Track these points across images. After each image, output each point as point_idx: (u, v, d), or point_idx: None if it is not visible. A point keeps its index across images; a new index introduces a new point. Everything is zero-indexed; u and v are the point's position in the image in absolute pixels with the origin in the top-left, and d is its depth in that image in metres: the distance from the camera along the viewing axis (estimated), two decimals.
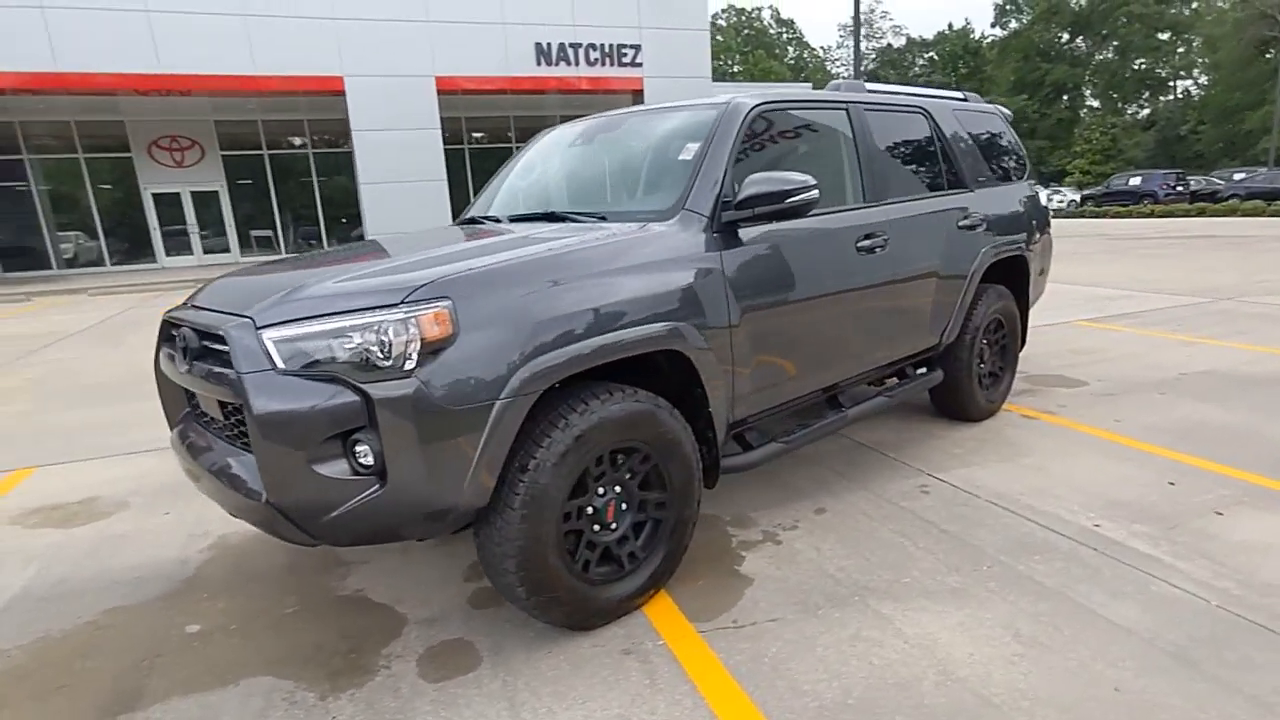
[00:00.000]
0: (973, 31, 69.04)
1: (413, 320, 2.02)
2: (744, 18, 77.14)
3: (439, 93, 19.69)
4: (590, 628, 2.46)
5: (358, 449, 2.05)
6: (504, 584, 2.28)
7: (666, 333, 2.44)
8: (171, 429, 2.78)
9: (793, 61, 75.47)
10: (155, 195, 22.81)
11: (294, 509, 2.07)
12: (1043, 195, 4.70)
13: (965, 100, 4.50)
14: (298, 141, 23.98)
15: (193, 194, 23.20)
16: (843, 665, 2.21)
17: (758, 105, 3.03)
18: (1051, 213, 5.11)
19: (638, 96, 21.00)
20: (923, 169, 3.86)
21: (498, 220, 3.45)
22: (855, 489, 3.48)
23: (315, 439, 2.02)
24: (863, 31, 74.68)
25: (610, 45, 20.46)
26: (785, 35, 79.02)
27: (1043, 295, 5.02)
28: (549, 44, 20.00)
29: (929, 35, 72.21)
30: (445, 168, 20.24)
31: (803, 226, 3.06)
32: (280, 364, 2.04)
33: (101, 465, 4.37)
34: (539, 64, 20.07)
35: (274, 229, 24.00)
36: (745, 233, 2.84)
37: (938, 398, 4.24)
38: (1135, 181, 29.46)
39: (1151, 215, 24.87)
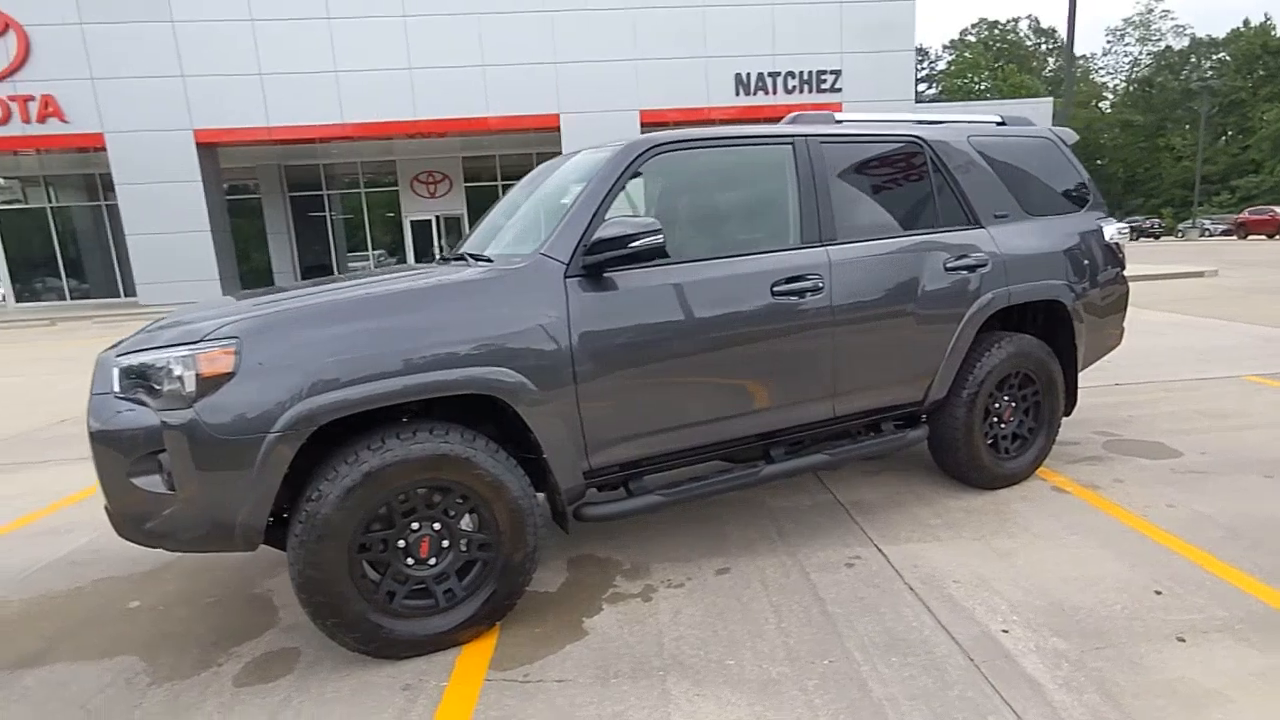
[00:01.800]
0: (1274, 28, 57.75)
1: (192, 359, 2.22)
2: (996, 30, 71.38)
3: (642, 125, 20.57)
4: (396, 657, 2.49)
5: (163, 468, 2.29)
6: (301, 604, 2.41)
7: (467, 378, 2.42)
8: None
9: (1051, 74, 68.29)
10: (413, 222, 26.27)
11: (122, 516, 2.36)
12: (1112, 229, 3.90)
13: (1002, 124, 3.89)
14: (524, 172, 26.27)
15: (442, 219, 26.36)
16: None
17: (652, 147, 2.90)
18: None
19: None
20: (903, 205, 3.41)
21: (460, 258, 3.59)
22: (780, 552, 3.15)
23: (131, 455, 2.29)
24: (1138, 34, 65.82)
25: (809, 72, 20.09)
26: (1045, 45, 71.86)
27: (1117, 348, 4.16)
28: (748, 74, 20.08)
29: (1219, 34, 61.63)
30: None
31: (693, 270, 2.87)
32: (116, 388, 2.35)
33: None
34: (738, 94, 20.22)
35: None
36: (622, 277, 2.73)
37: (939, 459, 3.69)
38: None
39: None
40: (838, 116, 3.43)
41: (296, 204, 26.16)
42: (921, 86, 73.14)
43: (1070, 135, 4.02)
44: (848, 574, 2.92)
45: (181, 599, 3.07)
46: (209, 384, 2.22)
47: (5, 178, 24.57)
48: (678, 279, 2.84)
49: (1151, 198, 56.14)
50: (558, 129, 20.76)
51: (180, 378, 2.22)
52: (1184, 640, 2.33)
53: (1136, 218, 44.31)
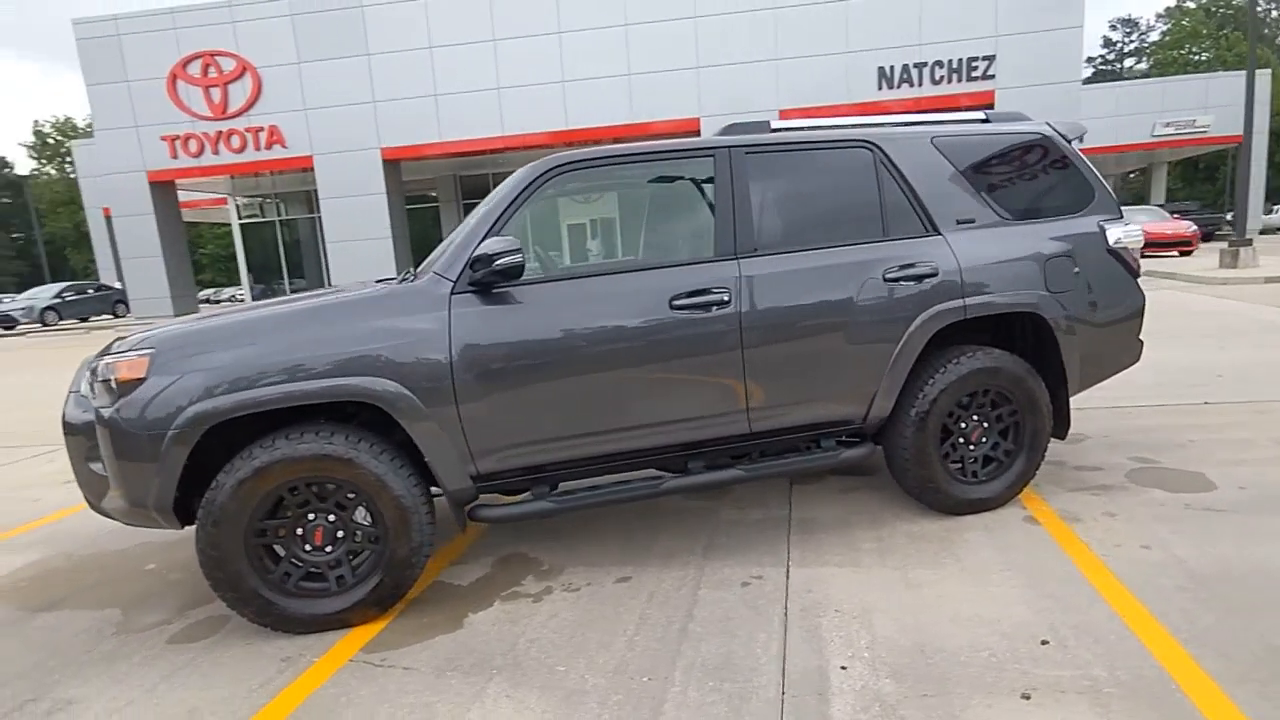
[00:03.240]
0: None
1: (114, 365, 2.61)
2: None
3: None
4: (292, 631, 2.77)
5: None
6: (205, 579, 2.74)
7: (340, 387, 2.63)
8: None
9: None
10: (568, 225, 27.51)
11: (86, 493, 2.83)
12: (1118, 233, 3.39)
13: (986, 121, 3.52)
14: None
15: (598, 222, 27.40)
16: None
17: (554, 168, 2.96)
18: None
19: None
20: (844, 213, 3.19)
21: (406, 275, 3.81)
22: (692, 565, 3.10)
23: (88, 443, 2.74)
24: None
25: (958, 60, 18.64)
26: (1277, 11, 61.26)
27: (1133, 364, 3.61)
28: (891, 67, 19.02)
29: None
30: None
31: (587, 285, 2.91)
32: (83, 388, 2.81)
33: None
34: (880, 88, 19.21)
35: None
36: (516, 293, 2.84)
37: (897, 480, 3.42)
38: None
39: None
40: (775, 124, 3.29)
41: (469, 210, 28.20)
42: (1129, 61, 65.26)
43: (1076, 129, 3.55)
44: (737, 593, 2.82)
45: (186, 566, 3.56)
46: (127, 387, 2.60)
47: (248, 197, 28.77)
48: (569, 294, 2.90)
49: None
50: (699, 133, 20.87)
51: (109, 380, 2.63)
52: (1028, 698, 2.06)
53: None
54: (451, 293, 2.80)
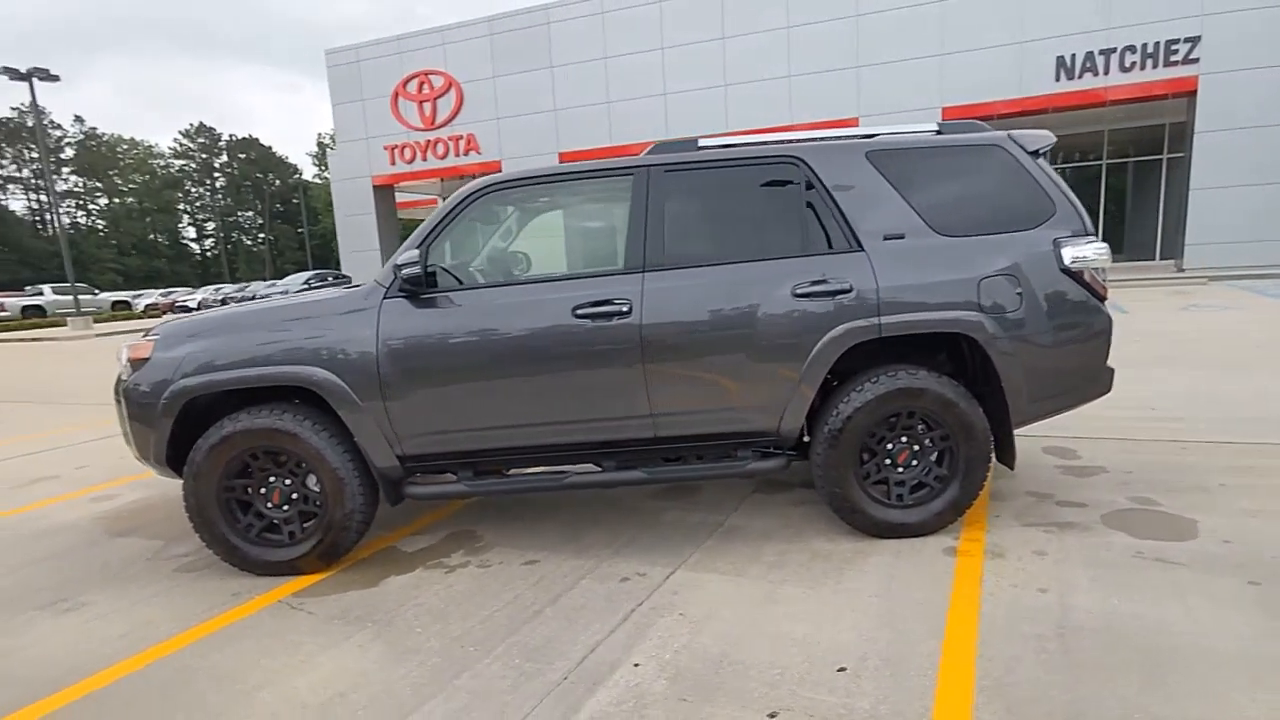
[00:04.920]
0: None
1: (131, 347, 3.26)
2: None
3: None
4: (251, 572, 3.29)
5: None
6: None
7: (280, 374, 3.10)
8: None
9: None
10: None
11: (131, 447, 3.54)
12: (1077, 251, 3.02)
13: (938, 133, 3.28)
14: None
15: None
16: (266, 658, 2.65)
17: (483, 188, 3.24)
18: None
19: (1190, 100, 16.28)
20: (761, 228, 3.16)
21: None
22: (600, 558, 3.25)
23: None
24: None
25: (1154, 44, 16.40)
26: None
27: (1102, 394, 3.20)
28: (1071, 55, 17.15)
29: None
30: None
31: (499, 293, 3.17)
32: (123, 362, 3.52)
33: None
34: (1059, 79, 17.42)
35: None
36: (441, 299, 3.18)
37: (820, 496, 3.32)
38: None
39: None
40: (703, 142, 3.32)
41: None
42: None
43: (1037, 139, 3.21)
44: (610, 587, 2.95)
45: None
46: (137, 365, 3.25)
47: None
48: (483, 302, 3.17)
49: None
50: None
51: (127, 359, 3.29)
52: (774, 716, 2.04)
53: None
54: (384, 297, 3.18)
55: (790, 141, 3.31)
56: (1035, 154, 3.25)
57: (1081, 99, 17.27)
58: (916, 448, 3.19)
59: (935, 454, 3.19)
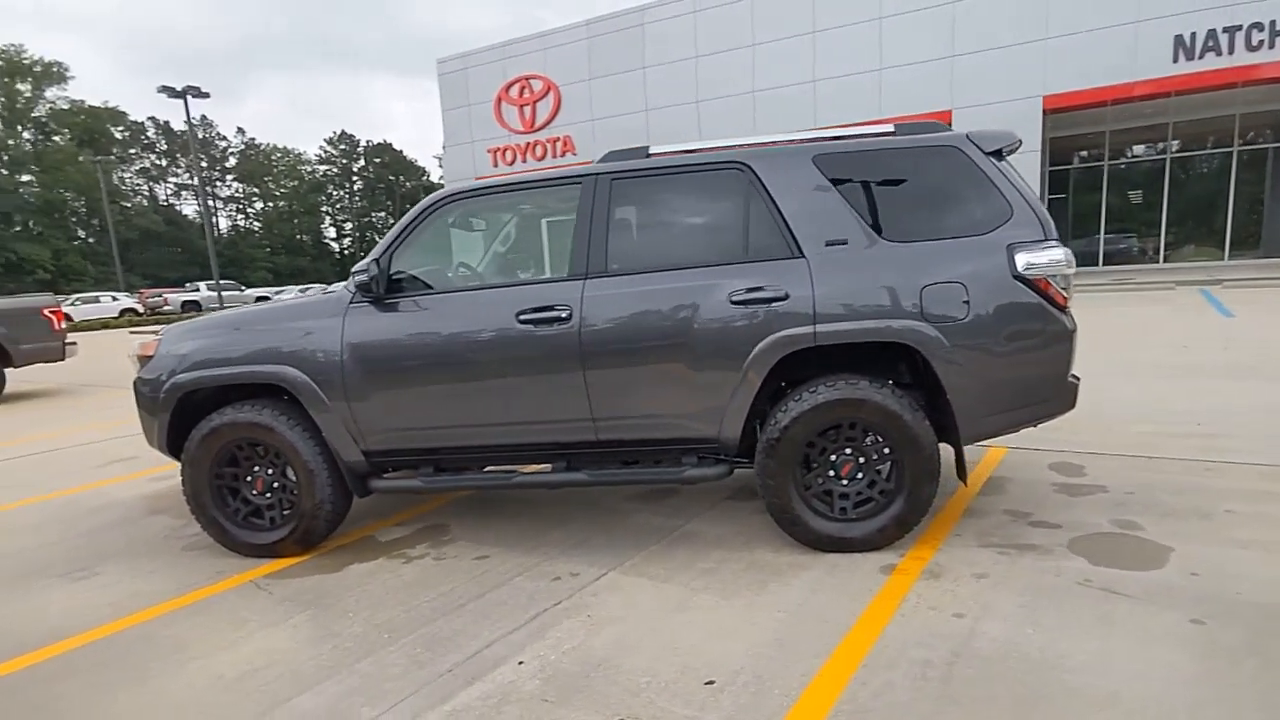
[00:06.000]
0: None
1: (140, 344, 3.61)
2: None
3: (1045, 112, 17.66)
4: (239, 553, 3.56)
5: None
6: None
7: (255, 372, 3.35)
8: None
9: None
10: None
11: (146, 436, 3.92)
12: (1031, 258, 2.79)
13: (893, 134, 3.11)
14: None
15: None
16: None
17: (440, 200, 3.36)
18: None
19: None
20: (703, 235, 3.13)
21: None
22: (540, 556, 3.32)
23: None
24: None
25: None
26: None
27: (1061, 412, 2.94)
28: (1192, 34, 15.54)
29: None
30: (1045, 191, 18.11)
31: (450, 299, 3.29)
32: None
33: None
34: (1176, 60, 15.83)
35: None
36: (399, 304, 3.34)
37: (765, 505, 3.24)
38: None
39: None
40: (653, 149, 3.31)
41: None
42: None
43: (997, 139, 2.99)
44: (538, 585, 3.02)
45: None
46: (145, 361, 3.59)
47: None
48: (435, 307, 3.30)
49: None
50: (951, 126, 19.10)
51: (137, 355, 3.64)
52: None
53: None
54: (349, 302, 3.37)
55: (739, 147, 3.25)
56: (998, 154, 3.05)
57: (1203, 81, 15.67)
58: (861, 460, 3.06)
59: (880, 468, 3.05)
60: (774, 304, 2.98)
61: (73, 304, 31.91)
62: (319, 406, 3.34)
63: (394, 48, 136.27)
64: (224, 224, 71.34)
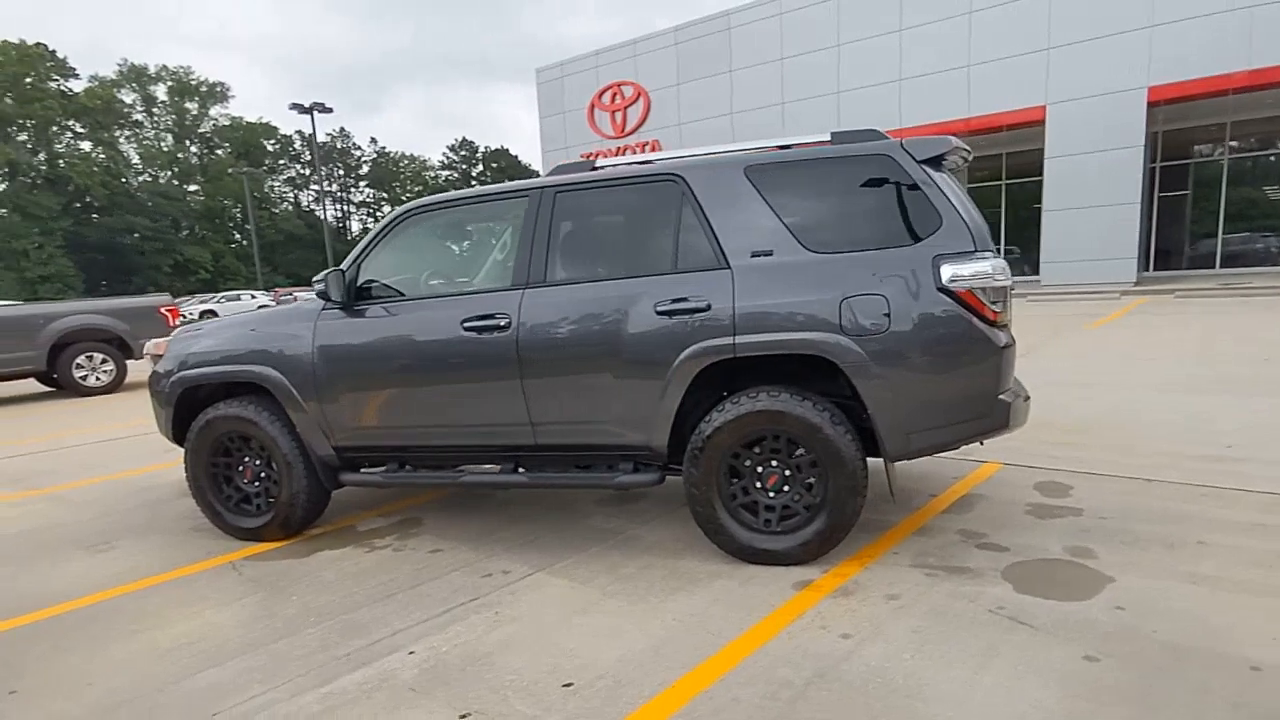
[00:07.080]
0: None
1: (154, 344, 3.98)
2: None
3: (1150, 105, 16.30)
4: (231, 536, 3.87)
5: None
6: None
7: (239, 371, 3.62)
8: None
9: None
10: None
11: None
12: (956, 270, 2.62)
13: (830, 143, 3.00)
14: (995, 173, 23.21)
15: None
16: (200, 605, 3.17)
17: (406, 212, 3.54)
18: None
19: None
20: (638, 246, 3.15)
21: None
22: (485, 553, 3.44)
23: None
24: None
25: None
26: None
27: (1003, 427, 2.73)
28: None
29: None
30: (1141, 191, 16.69)
31: (403, 307, 3.46)
32: None
33: None
34: None
35: None
36: (365, 310, 3.54)
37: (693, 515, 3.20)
38: None
39: None
40: (600, 162, 3.34)
41: None
42: None
43: (931, 145, 2.82)
44: (467, 580, 3.13)
45: None
46: (157, 359, 3.96)
47: None
48: (391, 314, 3.47)
49: None
50: (1040, 123, 17.99)
51: (151, 353, 4.02)
52: (465, 716, 2.11)
53: None
54: (321, 308, 3.60)
55: (674, 159, 3.25)
56: (936, 161, 2.91)
57: None
58: (787, 473, 3.00)
59: (806, 481, 2.98)
60: (697, 314, 2.97)
61: (218, 302, 35.16)
62: (294, 405, 3.59)
63: (518, 55, 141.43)
64: (355, 226, 76.34)
